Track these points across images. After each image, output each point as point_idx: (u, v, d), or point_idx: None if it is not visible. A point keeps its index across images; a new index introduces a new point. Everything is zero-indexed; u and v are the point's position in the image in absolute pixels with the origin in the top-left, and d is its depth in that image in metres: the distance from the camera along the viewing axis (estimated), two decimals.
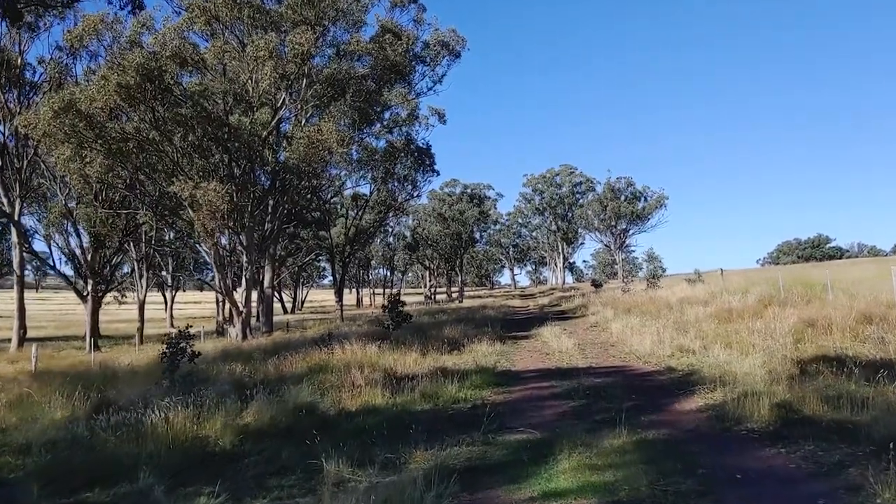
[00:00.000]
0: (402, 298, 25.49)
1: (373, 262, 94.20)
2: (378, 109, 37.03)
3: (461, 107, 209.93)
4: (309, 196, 39.61)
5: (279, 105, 30.56)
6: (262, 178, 32.92)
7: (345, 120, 34.63)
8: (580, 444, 7.86)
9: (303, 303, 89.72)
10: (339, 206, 56.51)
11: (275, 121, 30.38)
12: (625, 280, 48.14)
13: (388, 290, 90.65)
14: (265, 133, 29.60)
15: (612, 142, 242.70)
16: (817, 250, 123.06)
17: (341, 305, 46.02)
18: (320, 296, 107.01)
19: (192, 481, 7.55)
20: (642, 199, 78.93)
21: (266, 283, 36.50)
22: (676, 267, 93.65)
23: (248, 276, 31.31)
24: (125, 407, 10.33)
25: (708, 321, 18.76)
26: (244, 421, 9.99)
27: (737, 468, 6.85)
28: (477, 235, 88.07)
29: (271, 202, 32.70)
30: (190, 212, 26.76)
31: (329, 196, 47.67)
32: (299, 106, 31.54)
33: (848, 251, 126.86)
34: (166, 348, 13.25)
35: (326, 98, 31.96)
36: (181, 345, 13.22)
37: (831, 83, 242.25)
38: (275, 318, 42.07)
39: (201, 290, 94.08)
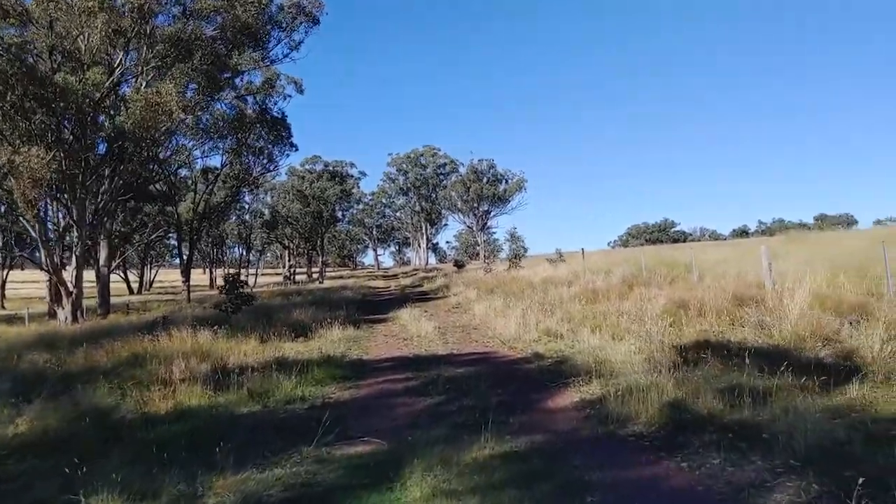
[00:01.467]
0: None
1: (228, 241, 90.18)
2: (228, 75, 34.36)
3: (324, 82, 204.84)
4: (152, 167, 36.59)
5: (116, 65, 27.59)
6: (100, 146, 29.92)
7: (192, 85, 31.90)
8: (437, 461, 6.36)
9: (151, 283, 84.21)
10: (189, 181, 52.94)
11: (110, 82, 27.37)
12: (487, 260, 47.69)
13: (244, 271, 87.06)
14: (99, 95, 26.62)
15: (475, 125, 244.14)
16: (664, 233, 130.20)
17: (188, 286, 42.91)
18: (172, 276, 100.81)
19: None
20: (503, 181, 79.31)
21: (102, 262, 33.49)
22: (537, 248, 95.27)
23: (78, 253, 28.32)
24: None
25: (573, 302, 18.00)
26: (17, 430, 7.92)
27: (633, 491, 5.57)
28: (339, 214, 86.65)
29: (108, 172, 29.61)
30: (11, 180, 23.70)
31: (175, 168, 44.50)
32: (140, 67, 28.59)
33: (691, 235, 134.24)
34: None
35: (170, 59, 29.09)
36: None
37: (672, 71, 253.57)
38: (118, 300, 38.90)
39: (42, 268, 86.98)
